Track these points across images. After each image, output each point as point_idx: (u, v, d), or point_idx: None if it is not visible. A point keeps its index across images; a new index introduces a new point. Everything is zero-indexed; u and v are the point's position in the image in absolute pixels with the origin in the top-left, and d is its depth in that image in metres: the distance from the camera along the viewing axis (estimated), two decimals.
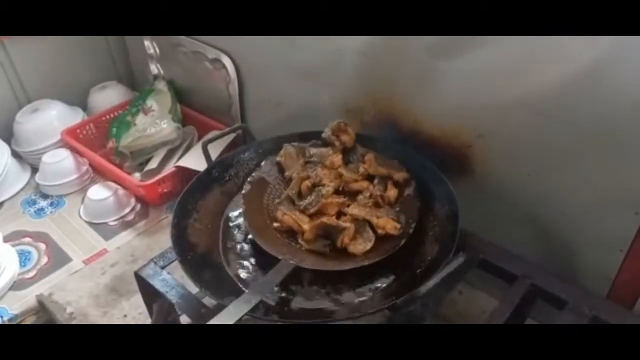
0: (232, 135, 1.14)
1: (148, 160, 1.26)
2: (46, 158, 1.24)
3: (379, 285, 0.71)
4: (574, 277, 0.78)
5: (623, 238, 0.70)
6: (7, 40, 1.29)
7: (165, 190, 1.16)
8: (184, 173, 1.14)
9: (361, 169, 0.82)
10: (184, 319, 0.80)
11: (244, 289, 0.71)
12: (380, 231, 0.73)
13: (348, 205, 0.77)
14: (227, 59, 1.16)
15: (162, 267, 0.78)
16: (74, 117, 1.38)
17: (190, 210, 0.79)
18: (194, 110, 1.35)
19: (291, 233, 0.76)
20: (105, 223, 1.16)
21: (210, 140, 0.86)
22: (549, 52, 0.65)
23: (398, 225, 0.74)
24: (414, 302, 0.69)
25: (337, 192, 0.79)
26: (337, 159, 0.82)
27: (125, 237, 1.12)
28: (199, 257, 0.74)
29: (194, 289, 0.73)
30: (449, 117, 0.81)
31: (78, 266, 1.05)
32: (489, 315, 0.69)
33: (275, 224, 0.77)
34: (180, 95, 1.36)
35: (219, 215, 0.81)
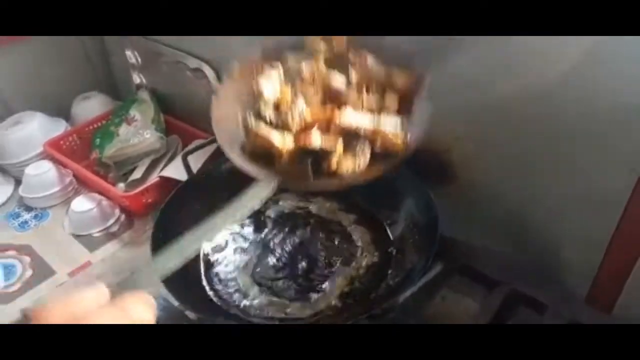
0: (215, 144, 1.14)
1: (132, 171, 1.26)
2: (29, 170, 1.23)
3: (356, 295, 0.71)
4: (555, 278, 0.79)
5: (601, 239, 0.71)
6: None
7: (149, 200, 1.16)
8: (168, 183, 1.14)
9: (353, 76, 0.66)
10: None
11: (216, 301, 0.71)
12: (378, 146, 0.60)
13: (336, 115, 0.61)
14: (208, 68, 1.16)
15: None
16: (57, 128, 1.37)
17: (170, 222, 0.79)
18: (177, 119, 1.35)
19: (266, 158, 0.62)
20: (90, 234, 1.15)
21: (190, 152, 0.87)
22: (525, 55, 0.66)
23: (403, 135, 0.60)
24: (393, 309, 0.70)
25: (323, 103, 0.65)
26: (319, 66, 0.67)
27: (110, 248, 1.12)
28: (179, 270, 0.74)
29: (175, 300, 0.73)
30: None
31: (62, 278, 1.05)
32: (470, 320, 0.70)
33: (247, 148, 0.64)
34: (163, 104, 1.36)
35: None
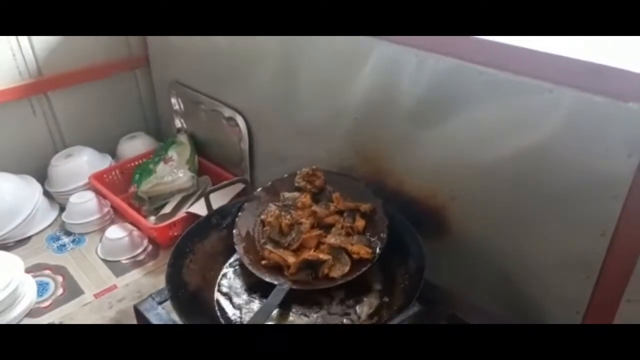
0: (239, 187, 1.25)
1: (164, 206, 1.37)
2: (73, 199, 1.37)
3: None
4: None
5: (579, 301, 0.75)
6: (51, 92, 1.46)
7: (175, 233, 1.26)
8: (194, 219, 1.24)
9: (332, 207, 0.93)
10: None
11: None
12: (355, 256, 0.83)
13: (325, 237, 0.87)
14: (240, 118, 1.28)
15: (159, 303, 0.86)
16: (103, 162, 1.52)
17: (187, 252, 0.87)
18: (210, 161, 1.47)
19: (277, 268, 0.86)
20: (119, 261, 1.25)
21: (213, 190, 0.96)
22: (514, 123, 0.73)
23: (370, 250, 0.84)
24: None
25: (312, 227, 0.89)
26: (307, 199, 0.94)
27: (134, 275, 1.21)
28: (190, 294, 0.82)
29: None
30: (426, 179, 0.89)
31: (89, 299, 1.14)
32: None
33: (263, 262, 0.86)
34: (198, 147, 1.48)
35: (213, 257, 0.90)
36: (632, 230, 0.66)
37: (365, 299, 0.82)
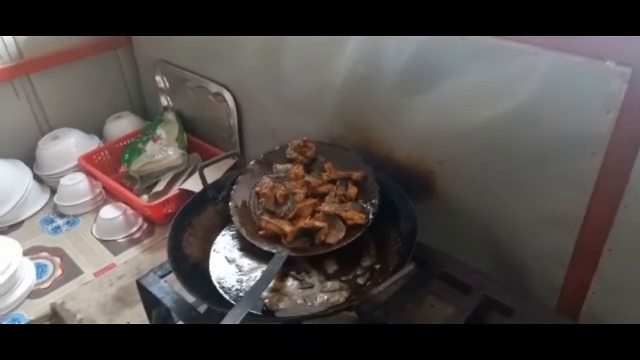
0: (231, 161, 1.26)
1: (155, 184, 1.38)
2: (64, 181, 1.37)
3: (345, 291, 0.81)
4: (525, 289, 0.87)
5: (563, 254, 0.79)
6: (33, 74, 1.45)
7: (169, 210, 1.27)
8: (187, 195, 1.25)
9: (324, 177, 0.95)
10: None
11: (224, 294, 0.81)
12: (349, 222, 0.86)
13: (319, 205, 0.90)
14: (228, 93, 1.29)
15: (161, 277, 0.89)
16: (91, 144, 1.52)
17: (185, 225, 0.90)
18: (198, 138, 1.48)
19: (275, 237, 0.88)
20: (115, 240, 1.27)
21: (206, 165, 0.98)
22: (496, 87, 0.76)
23: (364, 215, 0.87)
24: (377, 308, 0.79)
25: (306, 196, 0.92)
26: (299, 170, 0.96)
27: (132, 252, 1.23)
28: (192, 266, 0.85)
29: (186, 295, 0.83)
30: (414, 146, 0.92)
31: (88, 278, 1.16)
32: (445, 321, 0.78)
33: (261, 232, 0.89)
34: (186, 125, 1.49)
35: (211, 230, 0.92)
36: (611, 185, 0.70)
37: (360, 262, 0.85)
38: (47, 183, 1.47)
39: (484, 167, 0.83)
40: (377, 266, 0.85)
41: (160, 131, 1.45)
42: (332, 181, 0.95)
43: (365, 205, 0.90)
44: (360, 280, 0.83)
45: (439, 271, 0.86)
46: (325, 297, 0.81)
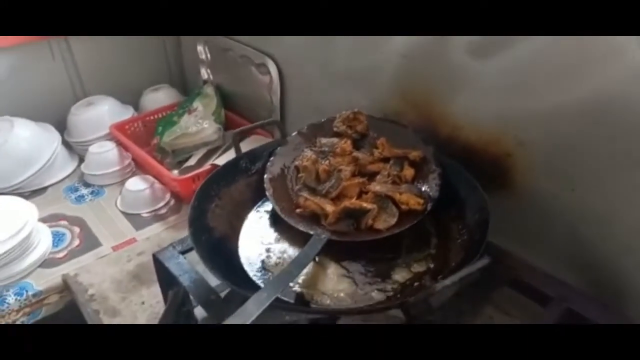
0: (268, 138, 1.15)
1: (187, 159, 1.28)
2: (93, 148, 1.29)
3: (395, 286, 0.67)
4: (622, 309, 0.70)
5: None
6: (72, 38, 1.38)
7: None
8: None
9: (376, 154, 0.82)
10: (199, 311, 0.78)
11: (253, 277, 0.69)
12: (403, 207, 0.73)
13: (368, 185, 0.77)
14: (272, 64, 1.17)
15: (181, 252, 0.78)
16: (125, 114, 1.43)
17: (212, 195, 0.78)
18: (237, 115, 1.37)
19: (314, 217, 0.76)
20: (139, 214, 1.17)
21: (242, 132, 0.86)
22: (600, 50, 0.61)
23: (421, 200, 0.74)
24: (433, 312, 0.64)
25: (353, 175, 0.79)
26: (347, 145, 0.84)
27: (155, 229, 1.13)
28: (215, 240, 0.73)
29: (207, 276, 0.71)
30: (488, 122, 0.77)
31: (106, 251, 1.06)
32: None
33: (298, 210, 0.77)
34: (225, 100, 1.38)
35: (241, 205, 0.80)
36: None
37: (414, 254, 0.71)
38: (77, 151, 1.39)
39: (581, 155, 0.67)
40: (432, 264, 0.70)
41: (197, 104, 1.35)
42: (385, 159, 0.81)
43: (423, 189, 0.76)
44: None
45: (510, 276, 0.71)
46: (369, 292, 0.67)
